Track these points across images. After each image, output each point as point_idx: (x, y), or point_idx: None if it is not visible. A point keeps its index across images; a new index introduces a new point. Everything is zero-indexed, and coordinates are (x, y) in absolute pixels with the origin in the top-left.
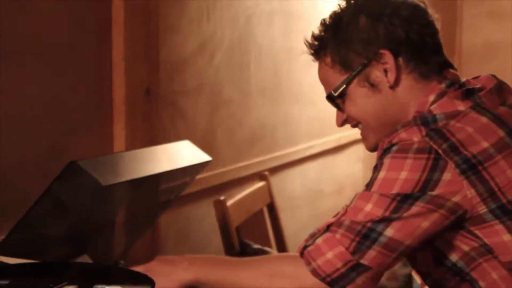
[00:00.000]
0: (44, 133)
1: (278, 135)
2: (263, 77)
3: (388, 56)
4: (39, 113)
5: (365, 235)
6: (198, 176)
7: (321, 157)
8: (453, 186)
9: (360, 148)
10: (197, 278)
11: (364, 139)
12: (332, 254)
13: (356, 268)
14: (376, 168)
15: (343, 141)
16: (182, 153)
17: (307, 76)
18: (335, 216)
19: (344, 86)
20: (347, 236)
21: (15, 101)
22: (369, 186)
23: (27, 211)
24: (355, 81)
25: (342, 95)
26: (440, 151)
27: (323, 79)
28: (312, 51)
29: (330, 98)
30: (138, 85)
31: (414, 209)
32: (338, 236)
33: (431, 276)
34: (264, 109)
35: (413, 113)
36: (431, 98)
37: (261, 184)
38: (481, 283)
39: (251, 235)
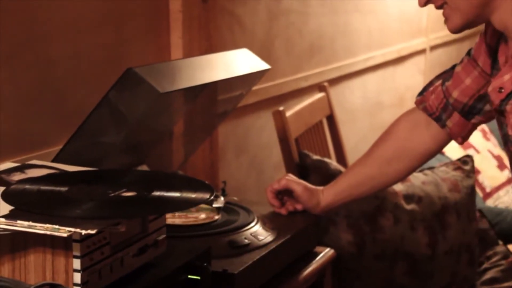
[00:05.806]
0: (101, 42)
1: (338, 46)
2: None
3: None
4: (95, 21)
5: None
6: (257, 87)
7: (381, 69)
8: None
9: (421, 60)
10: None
11: (447, 19)
12: None
13: None
14: None
15: (404, 52)
16: (241, 61)
17: None
18: None
19: None
20: None
21: (69, 9)
22: None
23: (85, 120)
24: None
25: None
26: None
27: None
28: None
29: None
30: None
31: None
32: None
33: None
34: (324, 18)
35: None
36: None
37: (320, 95)
38: None
39: (310, 146)
